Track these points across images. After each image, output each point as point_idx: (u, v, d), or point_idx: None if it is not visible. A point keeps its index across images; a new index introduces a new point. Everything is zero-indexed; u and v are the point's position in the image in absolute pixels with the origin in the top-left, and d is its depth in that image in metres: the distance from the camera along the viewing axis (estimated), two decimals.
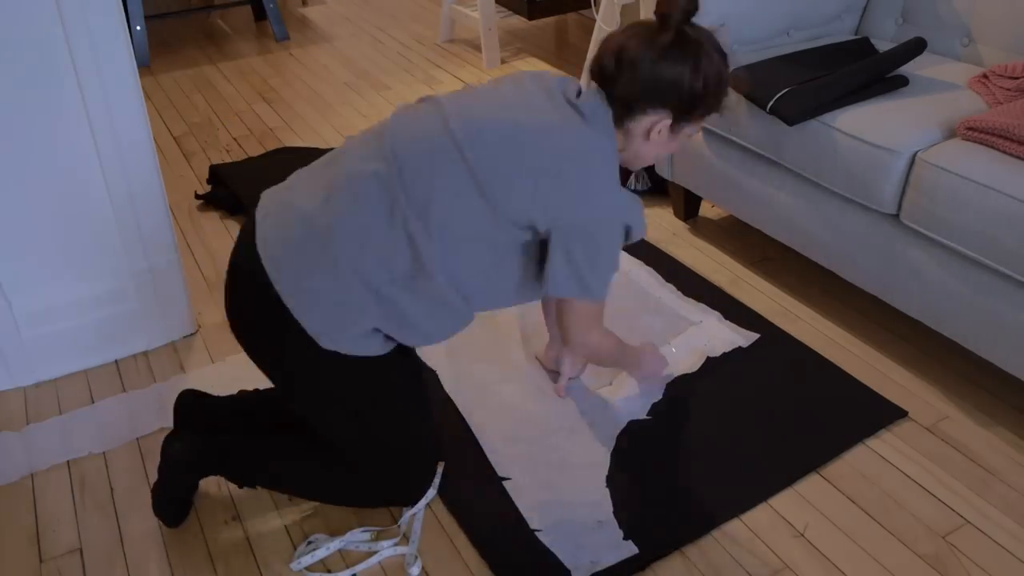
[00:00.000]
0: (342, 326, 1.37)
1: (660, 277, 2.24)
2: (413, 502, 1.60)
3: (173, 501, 1.59)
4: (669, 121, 1.43)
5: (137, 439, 1.80)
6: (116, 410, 1.87)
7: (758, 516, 1.59)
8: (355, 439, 1.50)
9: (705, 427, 1.77)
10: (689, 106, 1.41)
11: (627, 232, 1.45)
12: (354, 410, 1.48)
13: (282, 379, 1.48)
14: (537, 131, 1.37)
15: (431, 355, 1.99)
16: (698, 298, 2.16)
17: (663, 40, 1.37)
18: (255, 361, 1.49)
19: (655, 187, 2.63)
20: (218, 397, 1.69)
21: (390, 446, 1.52)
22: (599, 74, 1.43)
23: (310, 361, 1.41)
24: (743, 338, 2.01)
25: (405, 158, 1.37)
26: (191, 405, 1.66)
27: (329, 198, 1.38)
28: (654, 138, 1.45)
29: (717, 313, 2.10)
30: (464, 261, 1.38)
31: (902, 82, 1.98)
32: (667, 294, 2.18)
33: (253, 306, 1.42)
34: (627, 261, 2.31)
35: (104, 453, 1.77)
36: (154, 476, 1.71)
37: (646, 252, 2.35)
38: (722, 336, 2.01)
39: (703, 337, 2.02)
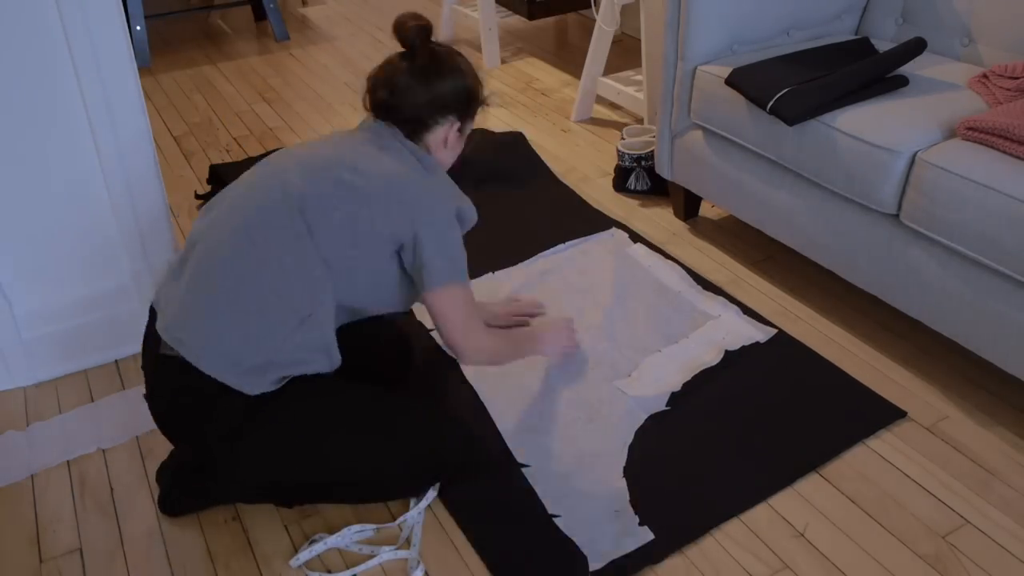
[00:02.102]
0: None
1: (680, 271, 2.25)
2: (475, 461, 1.68)
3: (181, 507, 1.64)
4: (458, 124, 1.64)
5: (137, 438, 1.80)
6: (118, 407, 1.87)
7: (758, 516, 1.59)
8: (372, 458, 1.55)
9: (705, 427, 1.77)
10: (468, 106, 1.64)
11: (462, 219, 1.62)
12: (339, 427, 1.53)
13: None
14: (355, 171, 1.52)
15: None
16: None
17: (422, 63, 1.59)
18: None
19: (655, 187, 2.63)
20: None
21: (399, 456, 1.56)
22: (380, 107, 1.61)
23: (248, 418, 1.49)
24: (761, 333, 2.02)
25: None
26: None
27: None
28: (451, 143, 1.65)
29: (736, 308, 2.11)
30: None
31: (902, 82, 1.98)
32: (686, 288, 2.19)
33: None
34: (647, 256, 2.33)
35: (104, 453, 1.77)
36: (154, 475, 1.71)
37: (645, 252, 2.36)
38: (740, 331, 2.02)
39: (721, 331, 2.02)
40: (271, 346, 1.46)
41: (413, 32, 1.58)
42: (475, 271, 2.29)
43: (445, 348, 1.93)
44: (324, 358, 1.52)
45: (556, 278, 2.24)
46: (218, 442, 1.49)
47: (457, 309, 1.58)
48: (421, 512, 1.60)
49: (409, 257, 1.55)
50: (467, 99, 1.63)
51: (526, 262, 2.32)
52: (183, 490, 1.63)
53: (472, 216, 1.65)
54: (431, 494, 1.63)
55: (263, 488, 1.59)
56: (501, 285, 2.23)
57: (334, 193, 1.49)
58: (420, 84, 1.58)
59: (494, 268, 2.30)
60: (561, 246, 2.37)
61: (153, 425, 1.83)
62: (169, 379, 1.49)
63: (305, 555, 1.52)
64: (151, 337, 1.52)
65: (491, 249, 2.38)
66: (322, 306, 1.49)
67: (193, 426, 1.50)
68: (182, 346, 1.45)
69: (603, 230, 2.45)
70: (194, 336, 1.45)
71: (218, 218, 1.53)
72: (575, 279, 2.23)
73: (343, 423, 1.53)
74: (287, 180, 1.50)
